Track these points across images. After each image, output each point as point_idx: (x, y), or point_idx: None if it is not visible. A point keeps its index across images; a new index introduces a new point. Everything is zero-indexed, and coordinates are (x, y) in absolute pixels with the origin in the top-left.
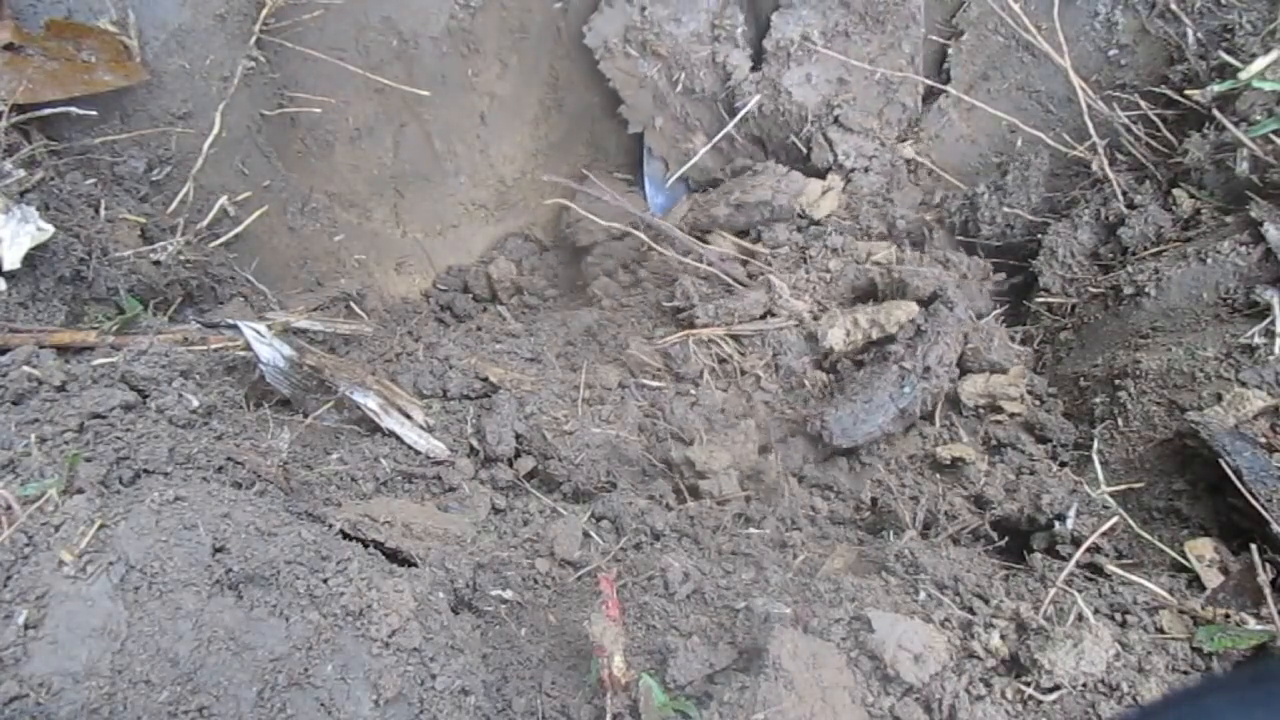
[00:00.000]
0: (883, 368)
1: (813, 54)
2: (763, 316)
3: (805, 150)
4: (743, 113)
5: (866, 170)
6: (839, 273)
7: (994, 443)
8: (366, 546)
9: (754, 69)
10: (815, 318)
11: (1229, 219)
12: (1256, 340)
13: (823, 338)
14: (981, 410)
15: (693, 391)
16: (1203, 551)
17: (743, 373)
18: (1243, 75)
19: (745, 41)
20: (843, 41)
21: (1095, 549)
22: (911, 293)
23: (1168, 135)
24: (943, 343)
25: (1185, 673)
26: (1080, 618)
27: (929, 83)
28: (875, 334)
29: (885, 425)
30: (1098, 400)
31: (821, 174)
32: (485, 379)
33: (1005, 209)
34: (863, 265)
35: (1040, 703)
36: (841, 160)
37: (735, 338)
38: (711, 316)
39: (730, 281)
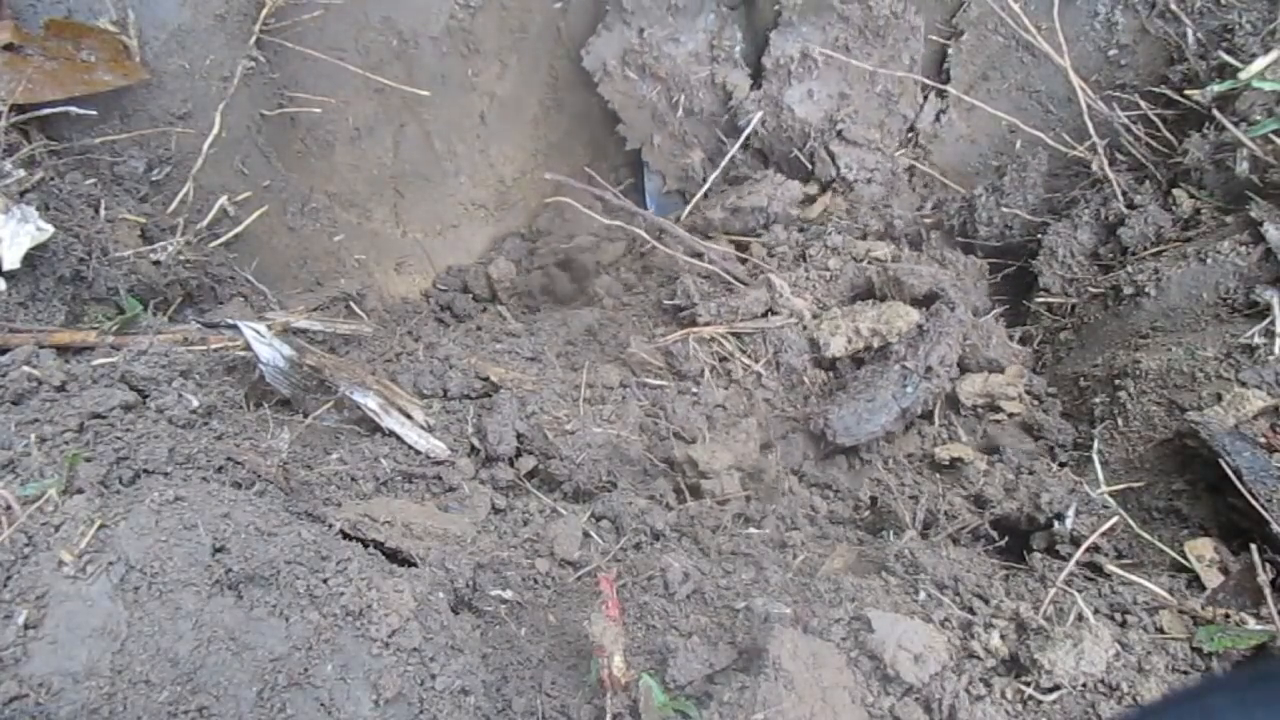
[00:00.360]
0: (884, 366)
1: (813, 70)
2: (764, 314)
3: (809, 165)
4: (746, 131)
5: (869, 182)
6: (838, 271)
7: (993, 442)
8: (366, 546)
9: (754, 87)
10: (815, 316)
11: (1229, 219)
12: (1256, 340)
13: (825, 347)
14: (980, 410)
15: (694, 390)
16: (1203, 551)
17: (744, 370)
18: (1243, 75)
19: (744, 60)
20: (843, 56)
21: (1095, 549)
22: (908, 291)
23: (1168, 135)
24: (944, 343)
25: (1185, 673)
26: (1080, 618)
27: (931, 83)
28: (876, 343)
29: (888, 424)
30: (1098, 400)
31: (824, 187)
32: (486, 379)
33: (1003, 209)
34: (861, 263)
35: (1040, 703)
36: (844, 173)
37: (736, 335)
38: (714, 314)
39: (731, 279)
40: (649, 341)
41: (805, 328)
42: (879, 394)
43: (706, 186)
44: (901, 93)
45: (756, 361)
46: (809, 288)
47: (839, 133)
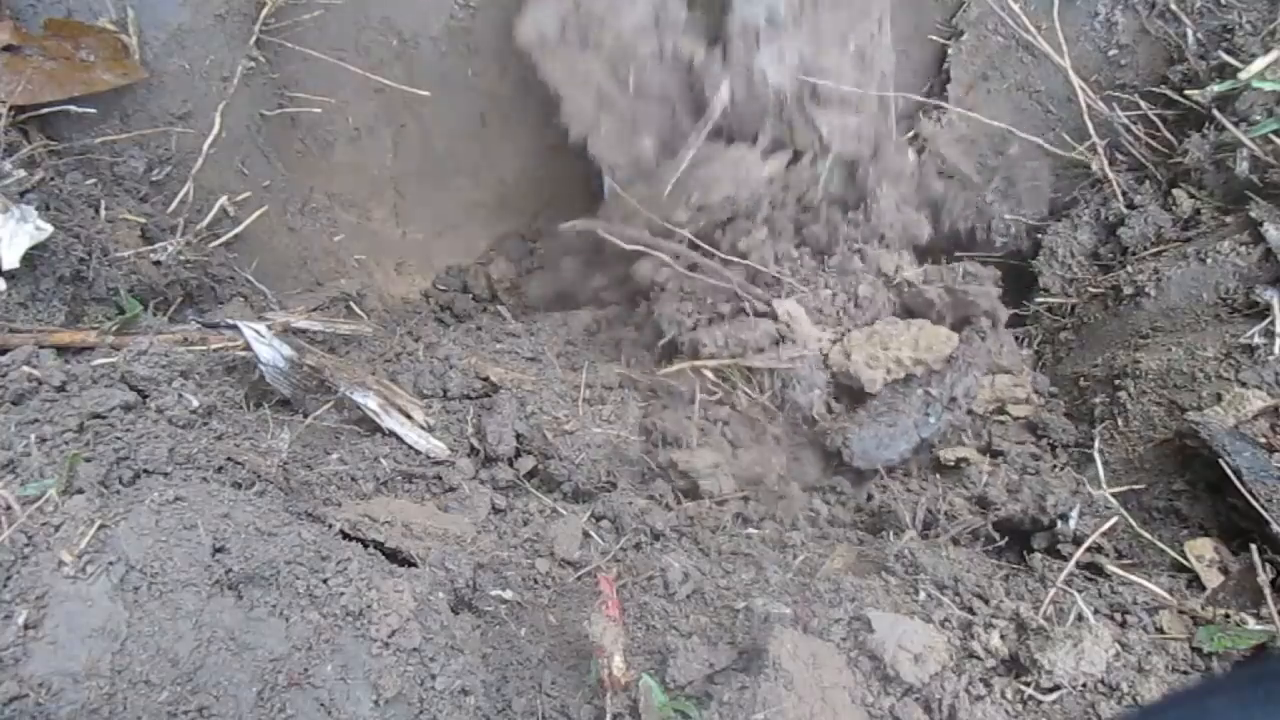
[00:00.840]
0: (908, 389)
1: (781, 32)
2: (775, 344)
3: (789, 133)
4: (715, 101)
5: (855, 148)
6: (869, 297)
7: (997, 443)
8: (366, 546)
9: (717, 55)
10: (835, 341)
11: (1229, 219)
12: (1256, 340)
13: (870, 385)
14: (988, 413)
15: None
16: (1203, 551)
17: (749, 402)
18: (1243, 75)
19: (697, 28)
20: (812, 15)
21: (1095, 549)
22: (956, 310)
23: (1168, 135)
24: (972, 374)
25: (1185, 673)
26: (1080, 618)
27: (926, 95)
28: (919, 371)
29: (905, 453)
30: (1098, 400)
31: (796, 156)
32: (485, 379)
33: (1010, 216)
34: (893, 283)
35: (1040, 703)
36: (827, 140)
37: (746, 370)
38: (720, 345)
39: (745, 301)
40: (645, 370)
41: (828, 357)
42: (900, 419)
43: (685, 164)
44: (875, 50)
45: (762, 394)
46: (832, 315)
47: (815, 95)
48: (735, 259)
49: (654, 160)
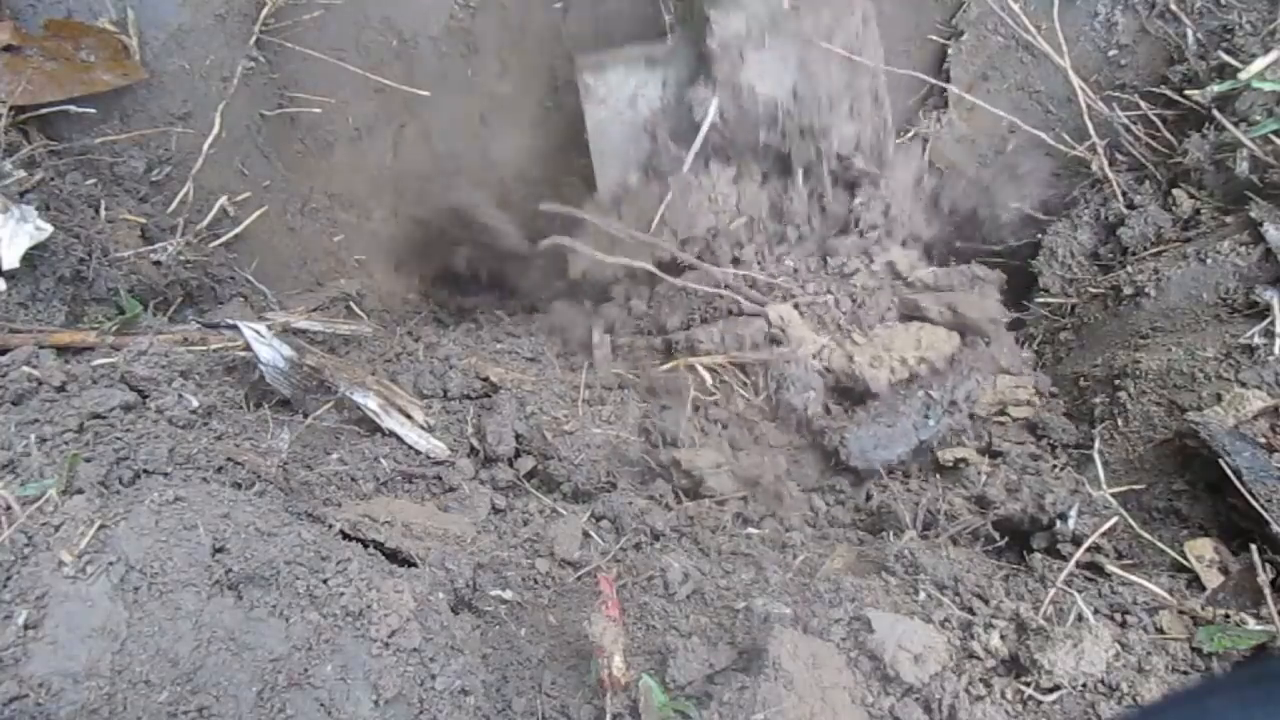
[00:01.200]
0: (909, 391)
1: (764, 42)
2: (770, 343)
3: (784, 150)
4: (706, 124)
5: (853, 157)
6: (871, 301)
7: (997, 444)
8: (366, 546)
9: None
10: (840, 345)
11: (1229, 219)
12: (1256, 340)
13: (875, 384)
14: (990, 414)
15: (691, 416)
16: (1203, 551)
17: (745, 404)
18: (1243, 75)
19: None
20: (793, 22)
21: (1095, 549)
22: (956, 322)
23: (1168, 135)
24: (974, 378)
25: (1185, 673)
26: (1080, 618)
27: (920, 78)
28: (923, 370)
29: (903, 455)
30: (1098, 400)
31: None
32: (485, 379)
33: (1010, 210)
34: (901, 283)
35: (1040, 703)
36: (825, 151)
37: (739, 367)
38: (716, 343)
39: (742, 304)
40: (640, 371)
41: (829, 361)
42: (900, 420)
43: (669, 198)
44: (861, 49)
45: (757, 395)
46: (832, 320)
47: (806, 106)
48: (729, 267)
49: (638, 187)
